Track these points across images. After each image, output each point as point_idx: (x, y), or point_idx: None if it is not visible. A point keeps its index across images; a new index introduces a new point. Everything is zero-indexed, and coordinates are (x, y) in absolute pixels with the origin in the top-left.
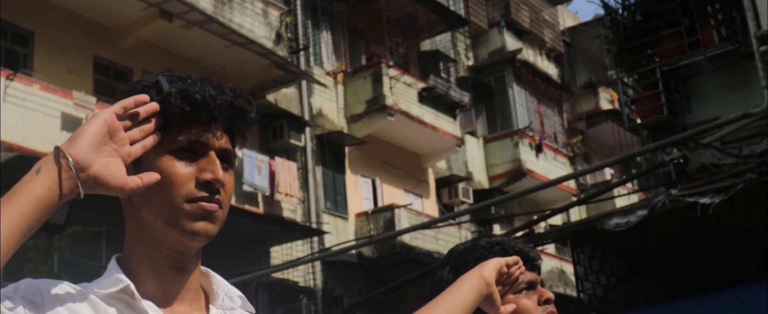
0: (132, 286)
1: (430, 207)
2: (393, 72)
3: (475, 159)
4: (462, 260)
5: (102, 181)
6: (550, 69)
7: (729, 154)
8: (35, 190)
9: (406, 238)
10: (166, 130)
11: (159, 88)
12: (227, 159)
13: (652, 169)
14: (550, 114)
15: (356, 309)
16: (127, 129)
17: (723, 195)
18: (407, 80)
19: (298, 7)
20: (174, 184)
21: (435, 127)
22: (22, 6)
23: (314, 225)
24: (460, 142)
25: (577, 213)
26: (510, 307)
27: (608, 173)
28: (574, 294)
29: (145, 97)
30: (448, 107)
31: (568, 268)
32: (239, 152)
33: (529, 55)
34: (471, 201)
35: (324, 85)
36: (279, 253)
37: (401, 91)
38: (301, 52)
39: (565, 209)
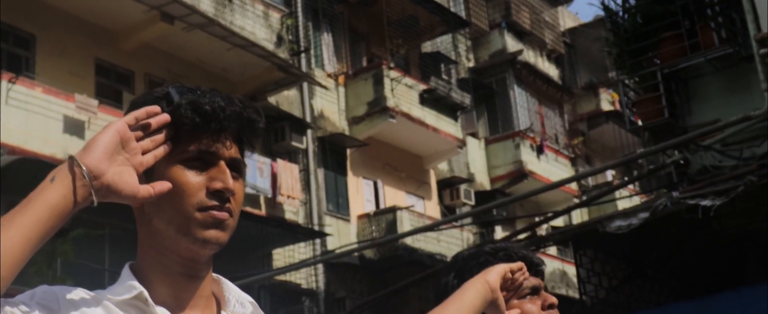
0: (145, 293)
1: (431, 208)
2: (394, 74)
3: (476, 161)
4: (466, 266)
5: (115, 190)
6: (551, 70)
7: (730, 156)
8: (50, 198)
9: (408, 240)
10: (176, 141)
11: (169, 100)
12: (237, 168)
13: (654, 171)
14: (551, 115)
15: (359, 312)
16: (138, 139)
17: (724, 197)
18: (408, 82)
19: (299, 10)
20: (185, 193)
21: (436, 128)
22: (24, 9)
23: (316, 227)
24: (462, 144)
25: (578, 215)
26: (514, 312)
27: (610, 175)
28: (577, 296)
29: (156, 108)
30: (450, 109)
31: (570, 270)
32: None
33: (530, 56)
34: (473, 202)
35: (325, 87)
36: (281, 255)
37: (402, 92)
38: (302, 54)
39: (567, 211)
